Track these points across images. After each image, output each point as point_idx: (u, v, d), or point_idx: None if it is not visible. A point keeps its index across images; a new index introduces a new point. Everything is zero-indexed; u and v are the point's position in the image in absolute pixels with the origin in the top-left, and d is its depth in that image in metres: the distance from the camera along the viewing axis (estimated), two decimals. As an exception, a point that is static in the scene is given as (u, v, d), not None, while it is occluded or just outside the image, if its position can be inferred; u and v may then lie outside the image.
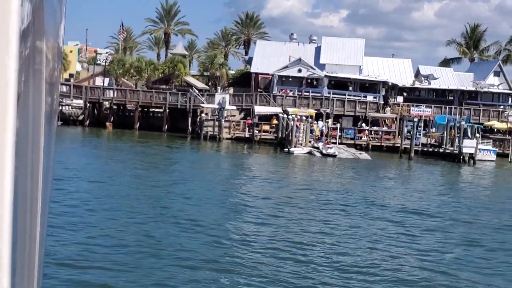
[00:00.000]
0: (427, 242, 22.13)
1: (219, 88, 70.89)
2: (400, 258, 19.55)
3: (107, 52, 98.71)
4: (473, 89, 74.25)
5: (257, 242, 20.43)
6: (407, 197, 32.67)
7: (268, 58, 72.43)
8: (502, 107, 71.56)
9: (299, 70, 68.31)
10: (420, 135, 60.70)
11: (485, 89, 73.26)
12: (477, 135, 54.94)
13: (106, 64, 74.48)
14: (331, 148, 53.02)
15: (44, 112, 1.38)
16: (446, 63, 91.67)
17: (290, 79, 68.87)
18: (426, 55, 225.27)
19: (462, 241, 22.70)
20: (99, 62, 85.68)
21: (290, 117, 56.63)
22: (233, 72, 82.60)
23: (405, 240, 22.09)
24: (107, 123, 65.01)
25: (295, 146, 54.01)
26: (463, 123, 56.15)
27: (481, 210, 29.90)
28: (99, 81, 77.30)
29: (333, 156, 51.80)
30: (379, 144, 60.84)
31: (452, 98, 75.07)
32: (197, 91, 64.08)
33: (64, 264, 16.35)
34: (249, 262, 17.90)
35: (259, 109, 62.01)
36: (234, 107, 63.05)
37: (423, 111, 63.21)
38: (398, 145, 57.98)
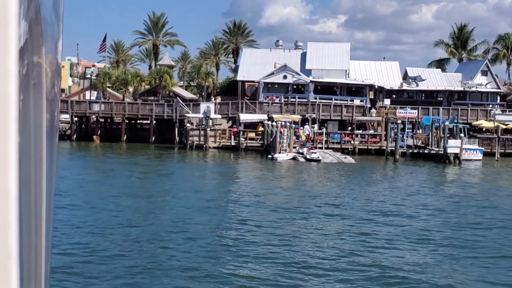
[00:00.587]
0: (392, 243, 21.97)
1: (212, 97, 71.01)
2: (372, 258, 19.42)
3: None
4: (461, 89, 74.19)
5: (242, 247, 20.57)
6: (381, 199, 32.51)
7: (254, 65, 72.48)
8: (490, 106, 71.52)
9: (285, 77, 68.38)
10: (407, 137, 60.73)
11: (473, 89, 73.20)
12: (461, 134, 54.80)
13: (92, 77, 74.63)
14: (315, 153, 52.95)
15: (45, 128, 1.37)
16: (440, 63, 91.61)
17: (276, 86, 68.92)
18: (425, 57, 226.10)
19: (435, 242, 22.51)
20: (88, 76, 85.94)
21: (274, 123, 56.64)
22: (221, 81, 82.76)
23: (371, 240, 21.96)
24: (94, 137, 65.06)
25: (279, 152, 53.96)
26: (447, 123, 56.02)
27: (455, 209, 29.78)
28: (88, 95, 77.42)
29: (317, 161, 51.75)
30: (365, 147, 60.81)
31: (441, 99, 75.02)
32: (181, 101, 64.11)
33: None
34: (238, 268, 18.04)
35: (244, 117, 62.04)
36: (219, 116, 63.07)
37: (409, 113, 63.10)
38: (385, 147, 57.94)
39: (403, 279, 17.36)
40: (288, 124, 56.37)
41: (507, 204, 31.87)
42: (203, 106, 62.49)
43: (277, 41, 78.24)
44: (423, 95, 77.26)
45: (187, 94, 75.35)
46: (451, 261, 19.67)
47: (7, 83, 1.04)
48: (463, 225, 25.71)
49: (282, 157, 53.10)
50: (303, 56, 73.98)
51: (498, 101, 74.36)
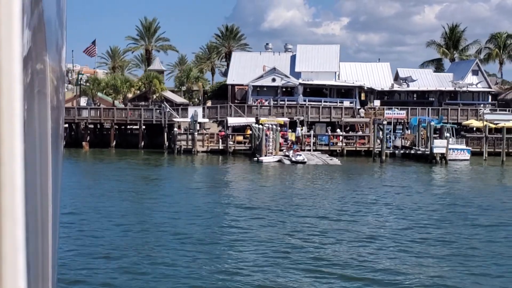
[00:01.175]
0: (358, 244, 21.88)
1: (209, 101, 71.11)
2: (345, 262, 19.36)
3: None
4: (452, 89, 74.06)
5: (220, 247, 20.63)
6: (357, 199, 32.38)
7: (244, 69, 72.56)
8: (482, 105, 71.30)
9: (273, 80, 68.41)
10: (395, 137, 60.64)
11: (464, 89, 73.06)
12: (447, 134, 54.63)
13: (81, 83, 74.80)
14: (300, 155, 52.89)
15: (50, 135, 1.37)
16: (439, 63, 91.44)
17: (265, 89, 68.96)
18: (428, 58, 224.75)
19: (405, 241, 22.37)
20: (80, 82, 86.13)
21: (260, 126, 56.63)
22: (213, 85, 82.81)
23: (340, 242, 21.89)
24: (84, 143, 65.11)
25: (265, 155, 53.92)
26: (432, 123, 55.82)
27: (429, 208, 29.67)
28: (82, 101, 77.54)
29: (303, 163, 51.67)
30: (354, 149, 60.67)
31: (432, 99, 74.91)
32: (168, 106, 64.14)
33: None
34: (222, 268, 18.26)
35: (232, 121, 62.02)
36: (207, 120, 63.09)
37: (397, 113, 62.93)
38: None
39: (385, 279, 17.33)
40: (274, 127, 56.29)
41: (485, 202, 31.74)
42: (191, 110, 62.49)
43: (267, 44, 78.33)
44: (414, 96, 77.18)
45: (178, 99, 75.44)
46: (430, 260, 19.54)
47: (13, 92, 1.05)
48: (435, 225, 25.60)
49: (267, 159, 53.07)
50: (293, 58, 73.99)
51: (490, 100, 74.20)
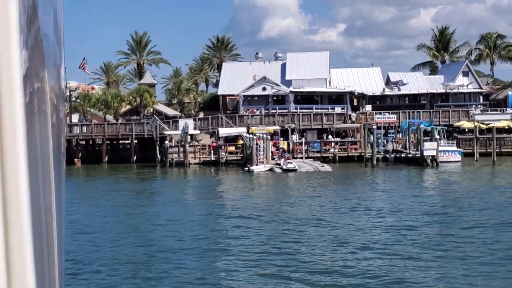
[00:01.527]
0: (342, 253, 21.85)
1: (201, 113, 71.12)
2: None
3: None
4: (443, 91, 74.08)
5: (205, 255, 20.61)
6: (340, 205, 32.35)
7: (234, 79, 72.61)
8: (474, 106, 71.32)
9: (264, 89, 68.48)
10: (387, 141, 60.62)
11: (455, 90, 73.09)
12: (437, 136, 54.61)
13: (72, 100, 74.89)
14: (291, 163, 52.89)
15: (52, 154, 1.38)
16: (434, 66, 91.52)
17: (256, 98, 68.99)
18: (423, 61, 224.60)
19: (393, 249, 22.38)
20: (74, 99, 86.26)
21: (250, 136, 56.65)
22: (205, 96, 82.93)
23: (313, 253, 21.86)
24: (75, 159, 65.00)
25: (256, 164, 53.91)
26: (422, 126, 55.77)
27: (409, 214, 29.63)
28: (74, 118, 77.59)
29: (294, 170, 51.65)
30: (346, 154, 60.64)
31: (424, 102, 74.93)
32: (158, 119, 64.16)
33: None
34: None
35: (223, 131, 62.01)
36: (198, 131, 63.09)
37: (388, 117, 62.95)
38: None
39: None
40: (264, 136, 56.28)
41: (471, 202, 31.70)
42: (182, 122, 62.50)
43: (257, 53, 78.58)
44: (406, 99, 77.18)
45: (170, 112, 75.50)
46: (422, 262, 19.48)
47: (14, 113, 1.05)
48: (422, 228, 25.55)
49: (258, 168, 53.05)
50: (283, 67, 74.09)
51: (481, 101, 74.22)
